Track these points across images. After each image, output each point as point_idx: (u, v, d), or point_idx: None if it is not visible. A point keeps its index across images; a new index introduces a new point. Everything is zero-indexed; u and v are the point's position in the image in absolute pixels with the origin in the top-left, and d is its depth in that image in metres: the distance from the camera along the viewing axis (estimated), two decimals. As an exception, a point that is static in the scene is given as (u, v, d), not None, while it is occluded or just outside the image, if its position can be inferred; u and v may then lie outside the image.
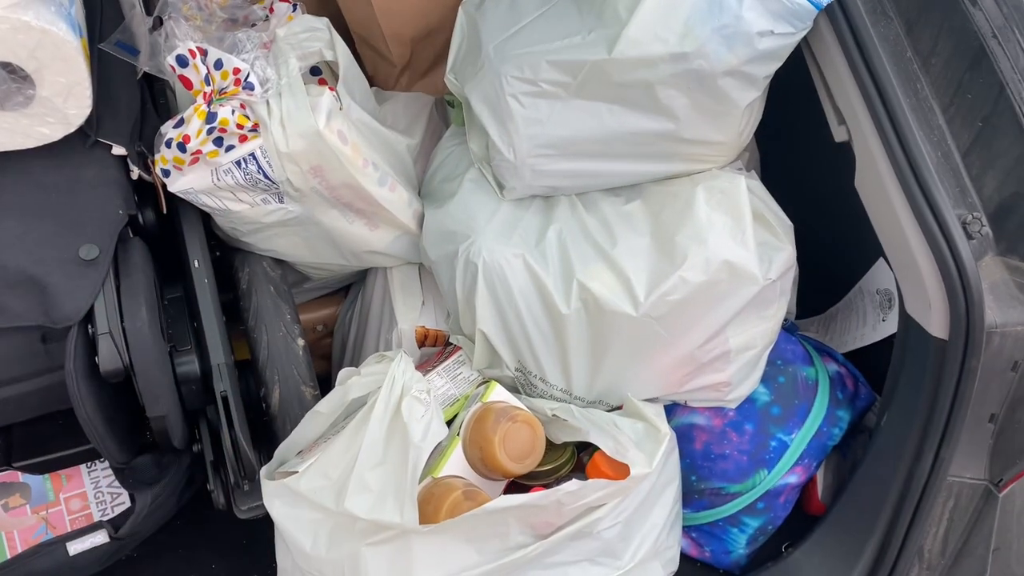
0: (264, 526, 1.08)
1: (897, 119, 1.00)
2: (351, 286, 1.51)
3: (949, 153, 1.04)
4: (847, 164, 1.14)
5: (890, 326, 1.30)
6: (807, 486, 1.32)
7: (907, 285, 1.10)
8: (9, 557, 1.13)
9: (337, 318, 1.52)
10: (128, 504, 1.18)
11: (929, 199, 0.99)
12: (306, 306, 1.49)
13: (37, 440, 1.17)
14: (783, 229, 1.15)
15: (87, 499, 1.19)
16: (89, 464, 1.21)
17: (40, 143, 1.01)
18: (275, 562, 1.11)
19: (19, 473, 1.17)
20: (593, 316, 1.10)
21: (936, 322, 1.05)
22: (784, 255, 1.13)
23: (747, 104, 1.10)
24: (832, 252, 1.40)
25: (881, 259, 1.33)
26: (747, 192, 1.11)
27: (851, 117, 1.08)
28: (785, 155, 1.40)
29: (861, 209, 1.14)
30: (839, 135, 1.12)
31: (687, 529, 1.30)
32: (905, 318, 1.12)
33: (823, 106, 1.14)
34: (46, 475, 1.19)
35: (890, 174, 1.03)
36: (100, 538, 1.11)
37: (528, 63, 1.07)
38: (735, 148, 1.16)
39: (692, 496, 1.26)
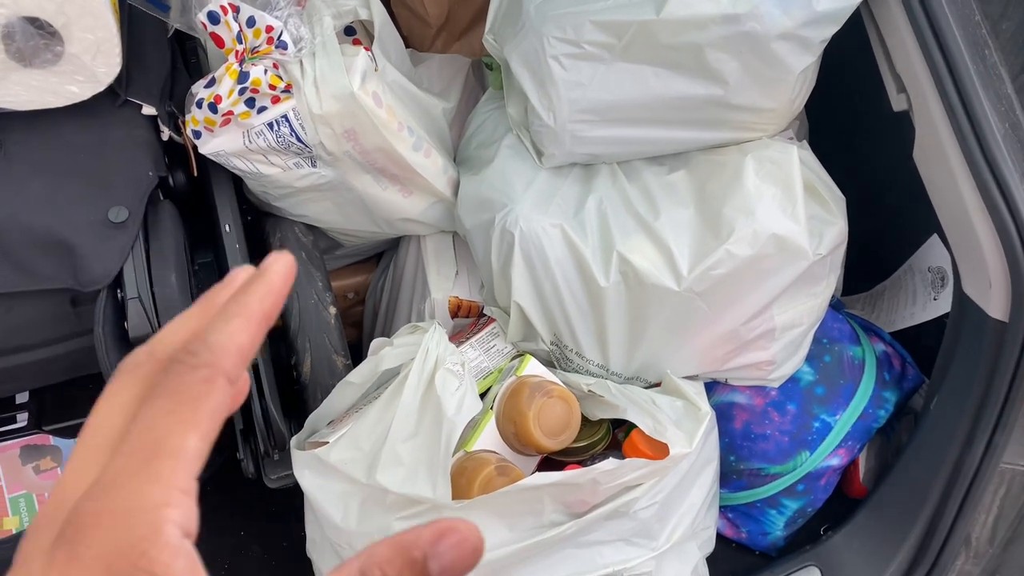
0: (294, 495, 1.07)
1: (964, 87, 0.94)
2: (383, 253, 1.49)
3: (1017, 124, 0.98)
4: (902, 135, 1.09)
5: (942, 306, 1.25)
6: (848, 468, 1.28)
7: (966, 263, 1.04)
8: (40, 519, 1.12)
9: (369, 286, 1.50)
10: (157, 470, 1.17)
11: (995, 172, 0.94)
12: (337, 273, 1.47)
13: (68, 404, 1.16)
14: (835, 202, 1.10)
15: (117, 463, 1.18)
16: (119, 429, 1.20)
17: (69, 102, 0.99)
18: (304, 530, 1.10)
19: (50, 436, 1.17)
20: (633, 290, 1.06)
21: (996, 303, 1.00)
22: (835, 229, 1.08)
23: (801, 70, 1.04)
24: (881, 227, 1.35)
25: (934, 236, 1.27)
26: (799, 163, 1.06)
27: (912, 85, 1.02)
28: (835, 124, 1.34)
29: (914, 183, 1.08)
30: (898, 104, 1.07)
31: (724, 509, 1.27)
32: (961, 298, 1.07)
33: (881, 73, 1.08)
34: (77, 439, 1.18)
35: (953, 146, 0.97)
36: (129, 504, 1.10)
37: (571, 23, 1.03)
38: (786, 116, 1.10)
39: (730, 476, 1.23)
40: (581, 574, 0.99)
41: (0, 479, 1.15)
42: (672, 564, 1.05)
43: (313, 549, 1.08)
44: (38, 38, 0.92)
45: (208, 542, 1.32)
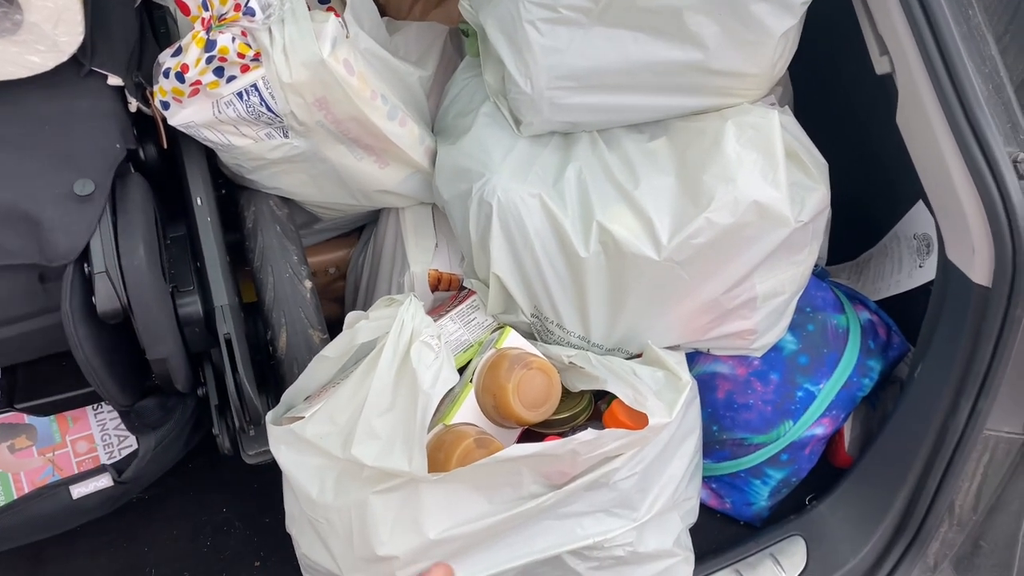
0: (275, 470, 1.06)
1: (947, 49, 0.92)
2: (364, 227, 1.46)
3: (1001, 86, 0.96)
4: (886, 98, 1.07)
5: (927, 273, 1.24)
6: (833, 438, 1.27)
7: (949, 229, 1.03)
8: (16, 498, 1.11)
9: (350, 260, 1.48)
10: (135, 447, 1.16)
11: (978, 135, 0.92)
12: (318, 248, 1.45)
13: (41, 381, 1.15)
14: (817, 168, 1.08)
15: (94, 441, 1.17)
16: (96, 406, 1.19)
17: (31, 73, 0.96)
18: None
19: (24, 415, 1.15)
20: (613, 260, 1.05)
21: (979, 268, 0.99)
22: (817, 196, 1.06)
23: (782, 33, 1.02)
24: (866, 194, 1.33)
25: (920, 202, 1.26)
26: (780, 128, 1.04)
27: (895, 47, 1.00)
28: (818, 89, 1.32)
29: (898, 148, 1.07)
30: (880, 67, 1.05)
31: (707, 480, 1.27)
32: (945, 264, 1.06)
33: (864, 35, 1.06)
34: (52, 417, 1.17)
35: (936, 108, 0.95)
36: (104, 481, 1.09)
37: (547, -14, 1.00)
38: (768, 81, 1.08)
39: (713, 447, 1.22)
40: (561, 545, 0.98)
41: (-24, 458, 1.14)
42: (654, 534, 1.04)
43: (292, 524, 1.08)
44: (-5, 6, 0.90)
45: (191, 520, 1.32)
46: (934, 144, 0.97)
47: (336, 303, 1.52)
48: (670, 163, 1.08)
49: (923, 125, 0.98)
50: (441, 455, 0.98)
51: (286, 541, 1.11)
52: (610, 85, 1.07)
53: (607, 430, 0.96)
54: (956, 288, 1.04)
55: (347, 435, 0.95)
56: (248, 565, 1.27)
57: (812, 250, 1.11)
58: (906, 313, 1.27)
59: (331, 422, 0.97)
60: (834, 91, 1.36)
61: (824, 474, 1.26)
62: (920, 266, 1.27)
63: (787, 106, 1.18)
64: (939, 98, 0.94)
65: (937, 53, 0.93)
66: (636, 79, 1.06)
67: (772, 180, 1.01)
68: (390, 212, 1.32)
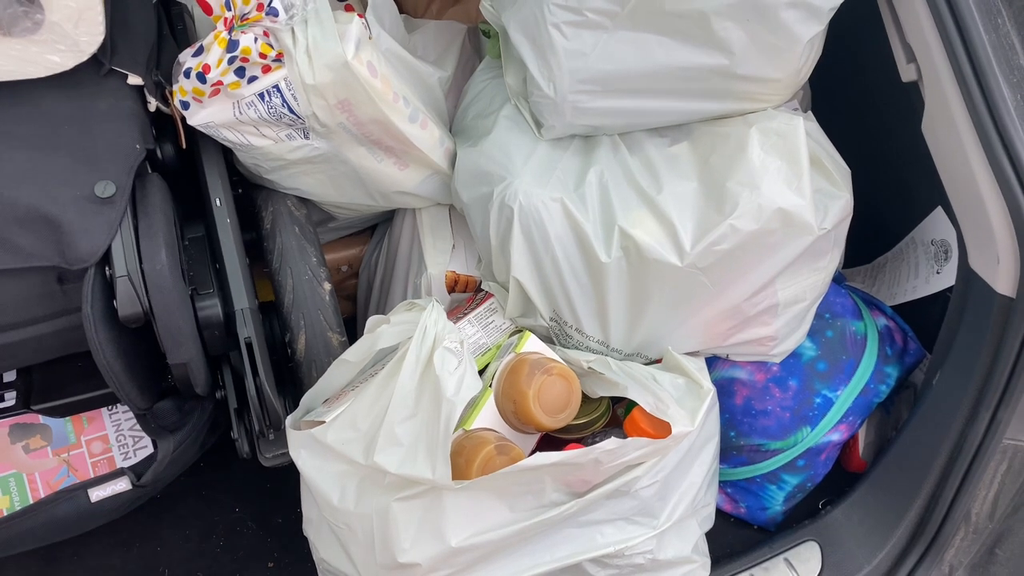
0: (289, 471, 1.05)
1: (977, 57, 0.92)
2: (377, 225, 1.46)
3: (1030, 96, 0.96)
4: (909, 106, 1.06)
5: (945, 280, 1.24)
6: (848, 443, 1.27)
7: (973, 238, 1.02)
8: (32, 500, 1.11)
9: (362, 259, 1.47)
10: (150, 449, 1.15)
11: (1008, 146, 0.91)
12: (331, 245, 1.44)
13: (57, 383, 1.14)
14: (841, 175, 1.07)
15: (109, 442, 1.16)
16: (110, 407, 1.18)
17: (50, 72, 0.95)
18: (299, 507, 1.08)
19: (39, 415, 1.14)
20: (635, 265, 1.04)
21: (1004, 279, 0.98)
22: (840, 203, 1.06)
23: (808, 39, 1.01)
24: (883, 199, 1.33)
25: (939, 209, 1.25)
26: (805, 135, 1.03)
27: (923, 54, 0.99)
28: (837, 94, 1.32)
29: (918, 154, 1.06)
30: (907, 74, 1.04)
31: (723, 485, 1.26)
32: (966, 272, 1.06)
33: (891, 42, 1.05)
34: (67, 418, 1.16)
35: (964, 117, 0.94)
36: (122, 485, 1.09)
37: (573, -11, 0.99)
38: (792, 87, 1.08)
39: (730, 452, 1.22)
40: (582, 553, 0.98)
41: (-11, 458, 1.13)
42: (673, 542, 1.04)
43: (310, 528, 1.07)
44: (17, 5, 0.88)
45: (204, 520, 1.32)
46: (961, 153, 0.96)
47: (348, 300, 1.51)
48: (693, 168, 1.07)
49: (950, 134, 0.97)
50: (461, 460, 0.98)
51: (299, 542, 1.11)
52: (634, 89, 1.06)
53: (630, 439, 0.95)
54: (978, 297, 1.03)
55: (369, 441, 0.95)
56: (262, 566, 1.27)
57: (833, 257, 1.11)
58: (919, 318, 1.27)
59: (353, 428, 0.97)
60: (854, 96, 1.35)
61: (838, 479, 1.26)
62: (937, 272, 1.26)
63: (808, 110, 1.17)
64: (968, 107, 0.94)
65: (967, 62, 0.92)
66: (660, 83, 1.05)
67: (796, 187, 1.01)
68: (406, 212, 1.31)
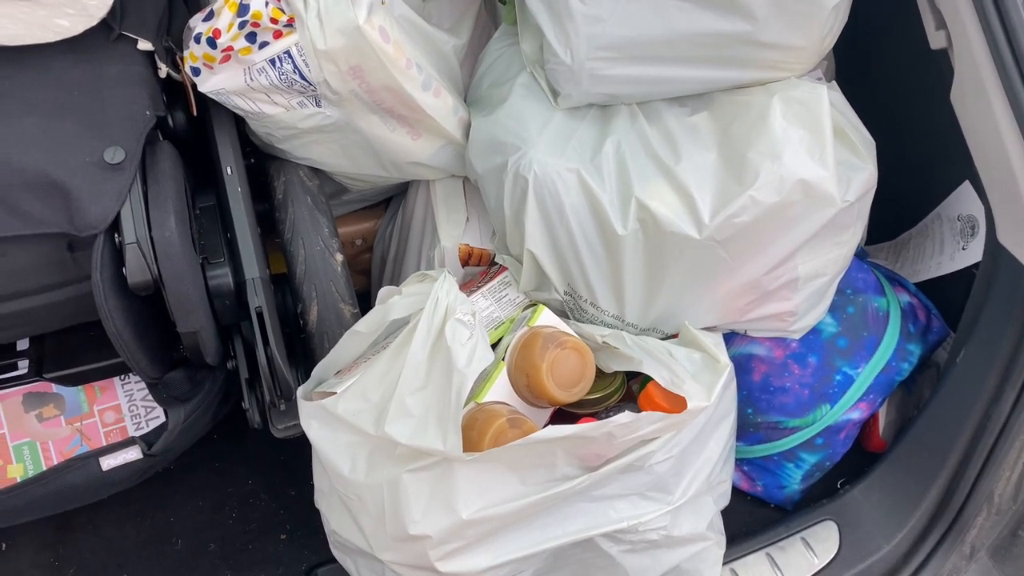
0: (301, 443, 1.04)
1: (1011, 23, 0.88)
2: (391, 199, 1.44)
3: (1064, 64, 0.92)
4: (937, 74, 1.03)
5: (970, 256, 1.21)
6: (868, 421, 1.25)
7: (1003, 213, 1.00)
8: (45, 468, 1.11)
9: (377, 232, 1.45)
10: (162, 418, 1.15)
11: (1041, 115, 0.88)
12: (345, 219, 1.43)
13: (69, 351, 1.14)
14: (865, 147, 1.04)
15: (121, 411, 1.16)
16: (123, 377, 1.18)
17: (59, 37, 0.93)
18: (312, 479, 1.08)
19: (52, 384, 1.14)
20: (652, 238, 1.02)
21: (1034, 254, 0.96)
22: (864, 175, 1.03)
23: (834, 5, 0.98)
24: (908, 172, 1.29)
25: (966, 183, 1.22)
26: (829, 105, 1.00)
27: (954, 20, 0.96)
28: (862, 62, 1.28)
29: (945, 126, 1.03)
30: (936, 41, 1.00)
31: (739, 462, 1.25)
32: (994, 248, 1.03)
33: (920, 7, 1.02)
34: (79, 387, 1.16)
35: (996, 86, 0.91)
36: (133, 454, 1.09)
37: (590, -47, 0.97)
38: (816, 55, 1.05)
39: (747, 429, 1.20)
40: (594, 528, 0.96)
41: (4, 427, 1.13)
42: (687, 518, 1.03)
43: (321, 499, 1.07)
44: (24, -34, 0.87)
45: (216, 490, 1.32)
46: (992, 124, 0.93)
47: (363, 275, 1.50)
48: (712, 138, 1.05)
49: (981, 103, 0.94)
50: (474, 433, 0.96)
51: (312, 514, 1.11)
52: (652, 56, 1.03)
53: (644, 413, 0.94)
54: (1007, 273, 1.01)
55: (380, 412, 0.94)
56: (274, 538, 1.27)
57: (856, 231, 1.08)
58: (942, 296, 1.24)
59: (364, 399, 0.96)
60: (876, 63, 1.31)
61: (857, 458, 1.24)
62: (963, 248, 1.23)
63: (832, 80, 1.14)
64: (1000, 76, 0.90)
65: (1000, 28, 0.89)
66: (679, 50, 1.02)
67: (819, 158, 0.98)
68: (420, 184, 1.30)
